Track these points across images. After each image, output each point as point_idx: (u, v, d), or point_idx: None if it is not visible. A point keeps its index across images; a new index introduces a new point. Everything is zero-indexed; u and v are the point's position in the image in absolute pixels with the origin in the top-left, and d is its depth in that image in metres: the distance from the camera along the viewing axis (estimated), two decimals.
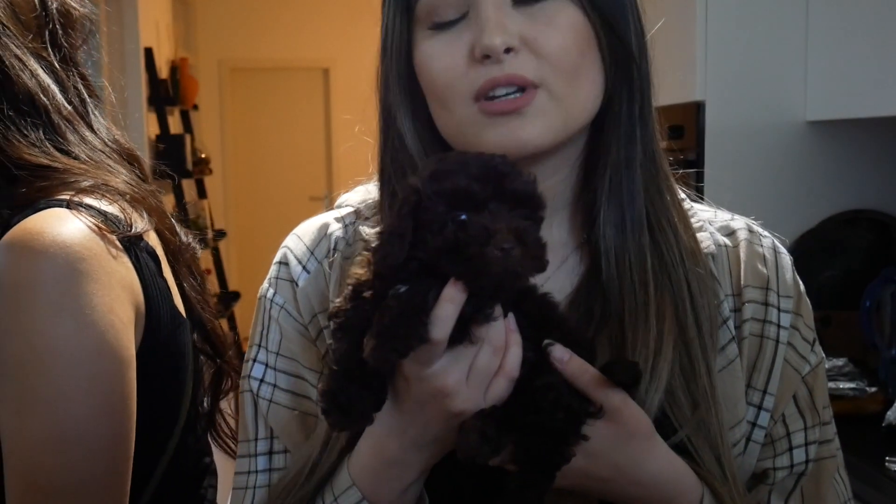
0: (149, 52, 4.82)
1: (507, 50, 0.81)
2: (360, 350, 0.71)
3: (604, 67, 0.86)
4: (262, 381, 0.93)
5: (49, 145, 1.05)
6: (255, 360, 0.94)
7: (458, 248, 0.69)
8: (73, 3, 1.17)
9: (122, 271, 0.98)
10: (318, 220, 0.98)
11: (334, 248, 0.94)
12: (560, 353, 0.75)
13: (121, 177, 1.10)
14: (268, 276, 0.96)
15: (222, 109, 7.42)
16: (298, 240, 0.96)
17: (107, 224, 0.99)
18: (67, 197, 1.00)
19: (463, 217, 0.70)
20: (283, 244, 0.97)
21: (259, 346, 0.94)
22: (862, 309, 2.24)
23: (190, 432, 1.17)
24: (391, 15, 0.88)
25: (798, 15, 2.42)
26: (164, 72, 5.36)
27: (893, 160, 2.49)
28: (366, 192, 0.99)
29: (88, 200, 1.02)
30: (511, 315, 0.76)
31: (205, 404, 1.24)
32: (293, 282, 0.93)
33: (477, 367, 0.73)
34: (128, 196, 1.07)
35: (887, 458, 1.77)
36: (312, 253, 0.94)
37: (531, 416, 0.73)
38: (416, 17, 0.86)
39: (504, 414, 0.74)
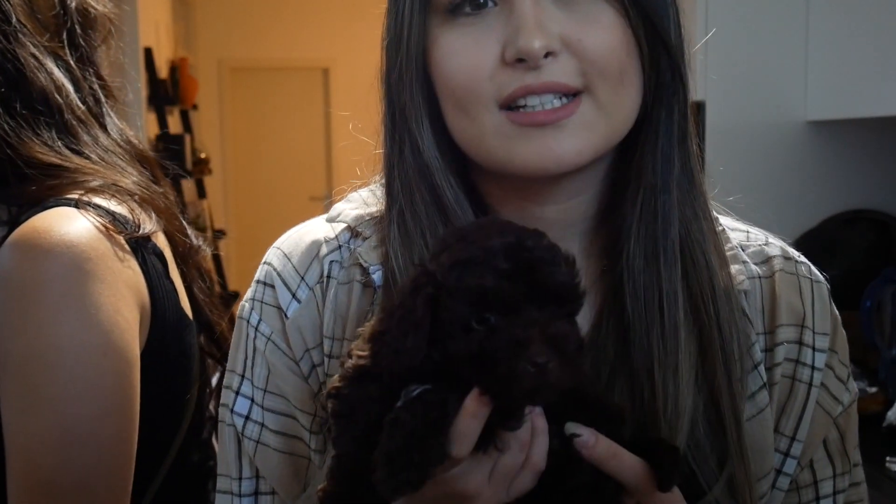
0: (148, 52, 4.81)
1: (547, 54, 0.71)
2: (363, 449, 0.62)
3: (643, 74, 0.76)
4: (247, 418, 0.84)
5: (61, 145, 1.05)
6: (238, 393, 0.84)
7: (485, 358, 0.59)
8: (92, 3, 1.17)
9: (129, 272, 0.98)
10: (307, 238, 0.86)
11: (328, 275, 0.83)
12: (586, 439, 0.66)
13: (131, 178, 1.10)
14: (249, 296, 0.85)
15: (222, 109, 7.41)
16: (285, 260, 0.84)
17: (115, 224, 0.99)
18: (76, 196, 1.00)
19: (491, 320, 0.60)
20: (266, 260, 0.86)
21: (242, 377, 0.84)
22: (862, 309, 2.24)
23: (195, 434, 1.17)
24: (408, 6, 0.76)
25: (798, 15, 2.42)
26: (163, 72, 5.36)
27: (893, 160, 2.49)
28: (362, 202, 0.87)
29: (97, 200, 1.02)
30: None
31: (210, 407, 1.23)
32: (281, 310, 0.83)
33: (501, 467, 0.65)
34: (136, 196, 1.07)
35: (888, 458, 1.77)
36: (303, 278, 0.83)
37: None
38: (433, 6, 0.75)
39: None
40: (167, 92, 5.29)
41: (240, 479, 0.85)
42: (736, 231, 0.87)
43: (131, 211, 1.04)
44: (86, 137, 1.09)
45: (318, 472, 0.81)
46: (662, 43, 0.75)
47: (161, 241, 1.08)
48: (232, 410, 0.85)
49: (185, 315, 1.09)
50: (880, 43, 2.13)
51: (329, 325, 0.81)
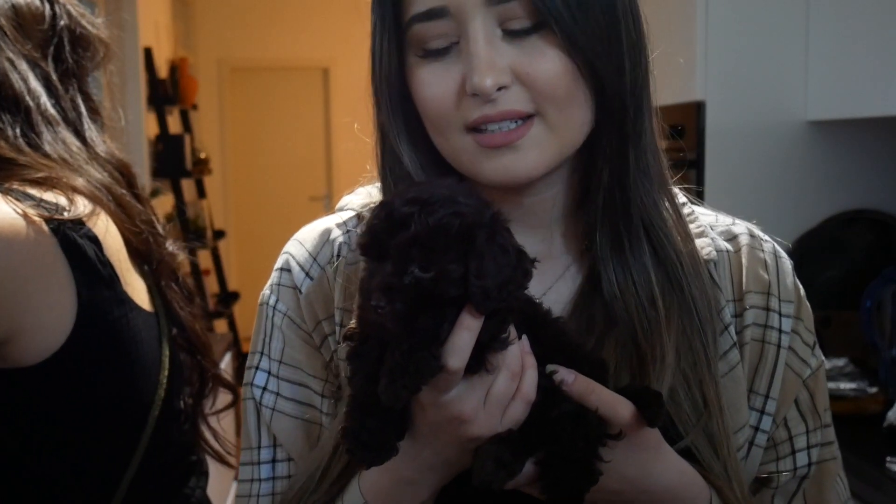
0: (148, 52, 4.81)
1: (500, 88, 0.80)
2: (375, 382, 0.71)
3: (591, 93, 0.83)
4: (264, 389, 0.93)
5: (22, 142, 1.10)
6: (257, 368, 0.94)
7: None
8: (84, 24, 1.22)
9: (39, 255, 1.02)
10: (320, 225, 0.97)
11: (338, 254, 0.93)
12: (564, 375, 0.75)
13: (86, 176, 1.14)
14: (269, 283, 0.95)
15: (222, 109, 7.41)
16: (300, 245, 0.95)
17: (39, 209, 1.03)
18: (9, 185, 1.05)
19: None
20: (285, 250, 0.96)
21: (261, 353, 0.94)
22: (862, 309, 2.24)
23: (172, 423, 1.18)
24: (380, 39, 0.86)
25: (798, 15, 2.42)
26: (163, 71, 5.36)
27: (893, 160, 2.49)
28: (368, 194, 0.98)
29: (31, 191, 1.06)
30: (525, 337, 0.75)
31: (186, 402, 1.26)
32: (296, 288, 0.93)
33: (494, 393, 0.73)
34: (77, 188, 1.10)
35: (888, 458, 1.77)
36: (315, 259, 0.93)
37: (553, 447, 0.73)
38: (407, 42, 0.84)
39: (520, 438, 0.74)
40: (167, 92, 5.29)
41: (259, 447, 0.93)
42: (705, 216, 0.96)
43: (67, 199, 1.08)
44: (49, 135, 1.13)
45: (329, 435, 0.87)
46: (600, 79, 0.82)
47: (99, 228, 1.11)
48: (252, 384, 0.93)
49: (129, 298, 1.12)
50: (880, 43, 2.13)
51: (339, 298, 0.90)
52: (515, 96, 0.80)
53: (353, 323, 0.76)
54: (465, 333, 0.69)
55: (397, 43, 0.85)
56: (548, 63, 0.80)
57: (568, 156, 0.86)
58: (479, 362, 0.71)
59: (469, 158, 0.83)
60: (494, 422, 0.73)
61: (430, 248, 0.69)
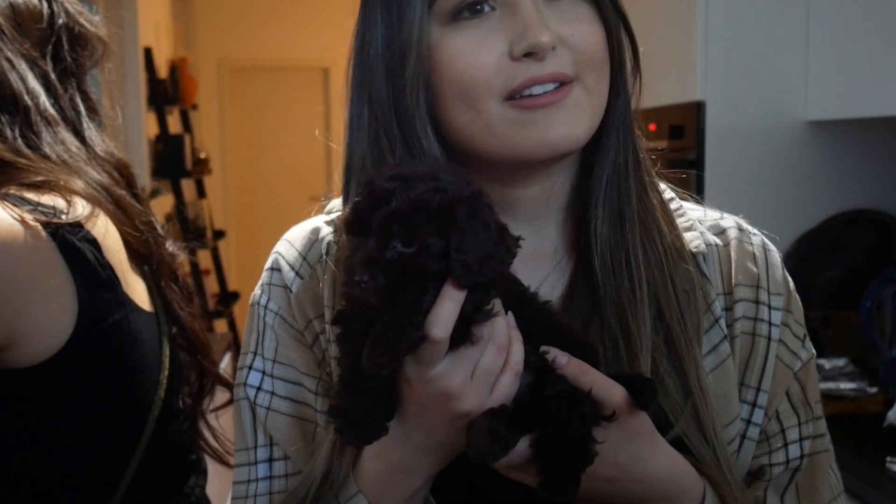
0: (148, 52, 4.81)
1: (552, 48, 0.81)
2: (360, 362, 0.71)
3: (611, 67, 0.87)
4: (259, 388, 0.92)
5: (21, 143, 1.10)
6: (250, 368, 0.93)
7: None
8: (83, 22, 1.21)
9: (37, 259, 1.02)
10: (309, 225, 0.97)
11: (326, 252, 0.93)
12: (558, 356, 0.75)
13: (85, 177, 1.13)
14: (260, 283, 0.95)
15: (222, 109, 7.41)
16: (290, 245, 0.95)
17: (37, 214, 1.03)
18: (6, 190, 1.05)
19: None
20: (275, 250, 0.96)
21: (254, 353, 0.93)
22: (862, 309, 2.24)
23: (172, 423, 1.18)
24: (413, 9, 0.83)
25: (798, 15, 2.42)
26: (163, 71, 5.36)
27: (893, 160, 2.49)
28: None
29: (28, 195, 1.05)
30: (510, 313, 0.76)
31: (185, 401, 1.26)
32: (287, 288, 0.93)
33: (482, 367, 0.73)
34: (77, 191, 1.10)
35: (888, 458, 1.77)
36: (305, 258, 0.94)
37: (547, 427, 0.73)
38: (434, 11, 0.83)
39: (513, 413, 0.74)
40: (167, 92, 5.29)
41: (255, 447, 0.92)
42: (693, 210, 0.97)
43: (65, 201, 1.07)
44: (48, 136, 1.13)
45: (324, 434, 0.86)
46: (613, 46, 0.86)
47: (98, 230, 1.10)
48: (245, 384, 0.93)
49: (130, 300, 1.12)
50: (880, 43, 2.13)
51: (328, 296, 0.89)
52: (561, 59, 0.82)
53: (340, 306, 0.76)
54: (448, 303, 0.69)
55: (428, 15, 0.83)
56: (587, 27, 0.84)
57: (595, 128, 0.86)
58: (464, 335, 0.71)
59: (508, 129, 0.82)
60: (483, 396, 0.73)
61: (411, 223, 0.69)
